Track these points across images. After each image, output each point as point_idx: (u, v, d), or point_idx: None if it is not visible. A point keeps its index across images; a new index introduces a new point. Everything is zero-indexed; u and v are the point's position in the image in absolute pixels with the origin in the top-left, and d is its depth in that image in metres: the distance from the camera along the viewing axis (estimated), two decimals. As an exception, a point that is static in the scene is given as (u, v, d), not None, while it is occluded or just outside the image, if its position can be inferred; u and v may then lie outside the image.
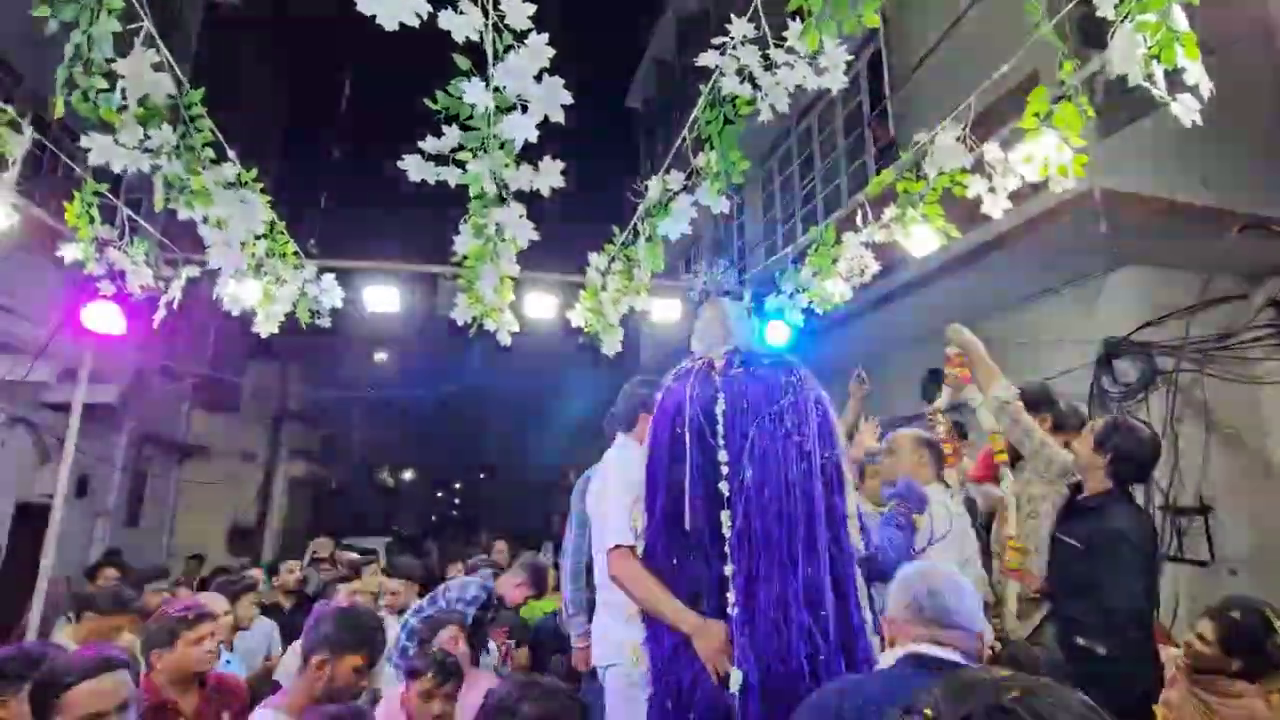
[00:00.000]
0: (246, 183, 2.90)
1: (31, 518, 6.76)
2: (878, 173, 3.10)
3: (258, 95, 11.94)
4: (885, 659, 1.26)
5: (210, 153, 2.52)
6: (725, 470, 1.86)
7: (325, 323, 4.21)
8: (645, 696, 1.94)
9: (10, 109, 2.50)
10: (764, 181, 7.64)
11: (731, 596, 1.79)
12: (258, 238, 3.39)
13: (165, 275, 3.95)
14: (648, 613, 1.92)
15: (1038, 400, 2.98)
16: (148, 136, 2.47)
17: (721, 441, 1.88)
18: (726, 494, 1.85)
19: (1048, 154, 2.31)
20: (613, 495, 2.16)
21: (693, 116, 2.58)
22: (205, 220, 2.84)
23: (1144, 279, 4.33)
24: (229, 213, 2.76)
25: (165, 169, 2.47)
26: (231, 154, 2.79)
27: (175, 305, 3.83)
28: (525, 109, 1.99)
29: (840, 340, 5.72)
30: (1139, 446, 2.55)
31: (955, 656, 1.17)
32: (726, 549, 1.82)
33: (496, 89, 1.96)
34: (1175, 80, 1.91)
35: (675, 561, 1.90)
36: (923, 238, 3.22)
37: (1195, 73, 1.87)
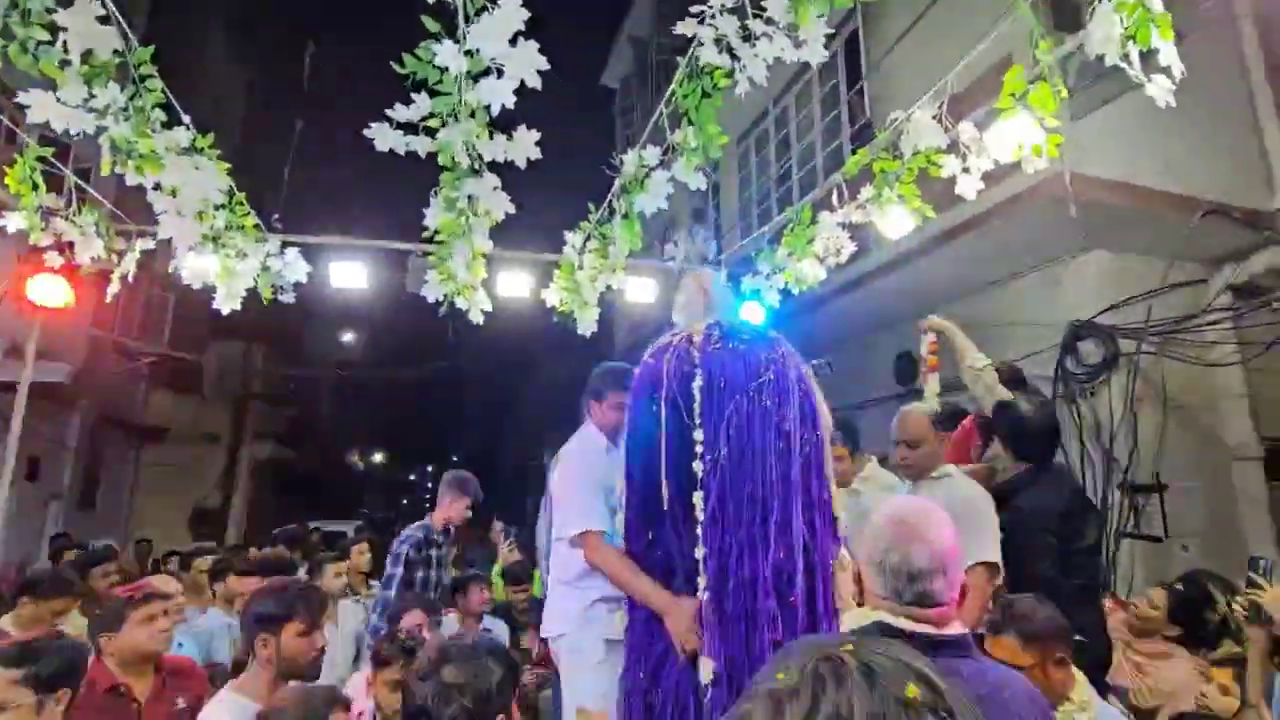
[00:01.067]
0: (202, 149, 2.77)
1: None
2: (853, 153, 3.09)
3: (218, 63, 11.48)
4: (852, 619, 1.18)
5: (160, 114, 2.39)
6: (700, 449, 1.83)
7: (289, 299, 4.06)
8: (594, 663, 2.08)
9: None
10: (740, 162, 7.60)
11: (702, 580, 1.78)
12: (216, 208, 3.26)
13: (118, 248, 3.77)
14: (624, 591, 2.00)
15: (1011, 379, 3.02)
16: (93, 95, 2.34)
17: (698, 420, 1.85)
18: (700, 474, 1.81)
19: (1022, 134, 2.32)
20: (574, 480, 2.27)
21: (670, 90, 2.53)
22: (157, 188, 2.70)
23: (1109, 263, 4.42)
24: (182, 180, 2.63)
25: (112, 130, 2.33)
26: (186, 119, 2.66)
27: (129, 279, 3.66)
28: (500, 74, 1.91)
29: (814, 323, 5.75)
30: (1022, 420, 2.65)
31: (926, 630, 1.11)
32: (699, 530, 1.80)
33: (469, 52, 1.89)
34: (1148, 64, 1.93)
35: (651, 538, 1.90)
36: (897, 219, 3.23)
37: (1169, 54, 1.89)
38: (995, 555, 2.16)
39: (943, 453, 2.41)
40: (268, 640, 1.71)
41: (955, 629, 1.14)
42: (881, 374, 5.83)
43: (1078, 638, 1.75)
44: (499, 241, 5.30)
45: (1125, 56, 1.91)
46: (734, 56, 2.13)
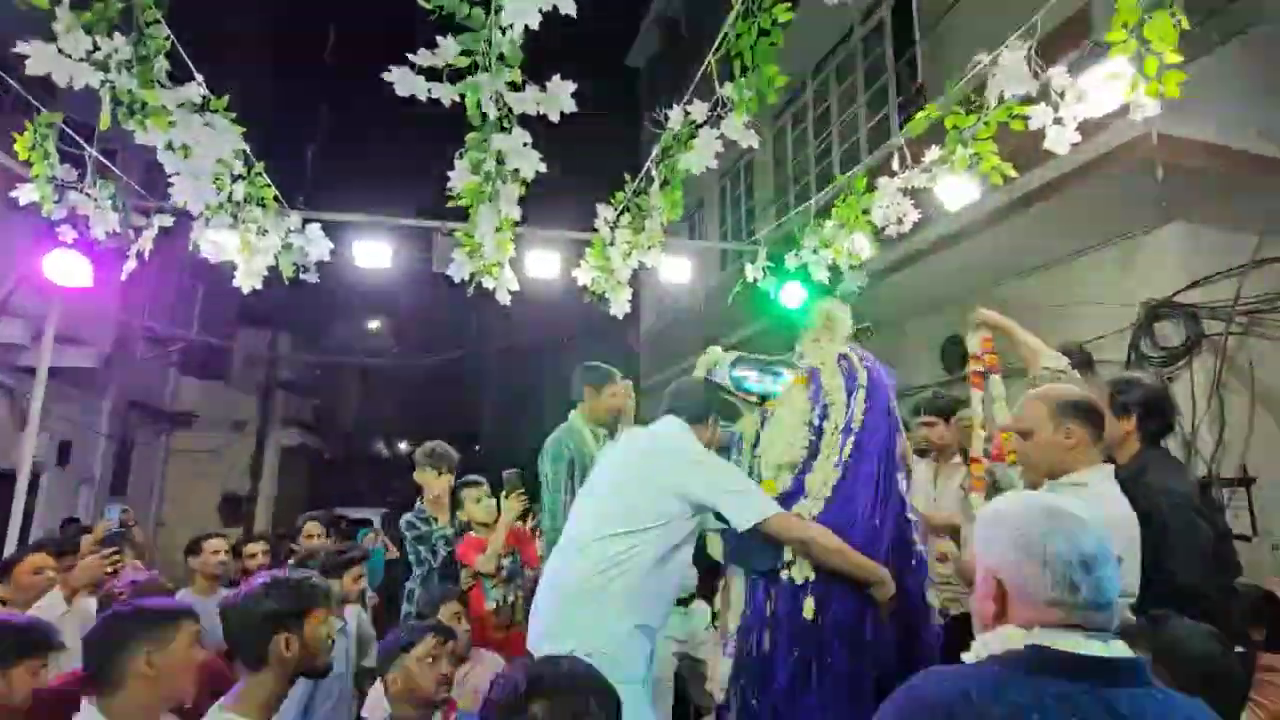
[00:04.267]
0: (217, 110, 2.58)
1: (10, 485, 6.50)
2: (907, 122, 2.76)
3: (241, 39, 11.41)
4: (997, 641, 0.92)
5: (166, 64, 2.19)
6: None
7: (312, 278, 3.88)
8: (640, 694, 1.91)
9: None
10: (775, 139, 7.28)
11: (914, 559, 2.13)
12: (234, 178, 3.08)
13: (137, 224, 3.61)
14: (835, 568, 1.99)
15: (1081, 365, 2.67)
16: (96, 47, 2.15)
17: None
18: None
19: (1133, 73, 2.01)
20: (732, 475, 2.13)
21: (721, 34, 2.27)
22: (169, 148, 2.51)
23: (1189, 237, 4.05)
24: (193, 138, 2.43)
25: (116, 82, 2.14)
26: (199, 77, 2.47)
27: (146, 256, 3.50)
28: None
29: (852, 306, 5.44)
30: (1158, 396, 2.13)
31: (1100, 652, 0.86)
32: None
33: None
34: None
35: (878, 523, 2.09)
36: (957, 188, 2.93)
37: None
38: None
39: (1083, 451, 1.80)
40: (290, 639, 1.49)
41: (1126, 650, 0.89)
42: (926, 359, 5.51)
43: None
44: (527, 222, 5.08)
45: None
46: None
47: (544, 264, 4.37)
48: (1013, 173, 2.63)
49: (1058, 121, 2.29)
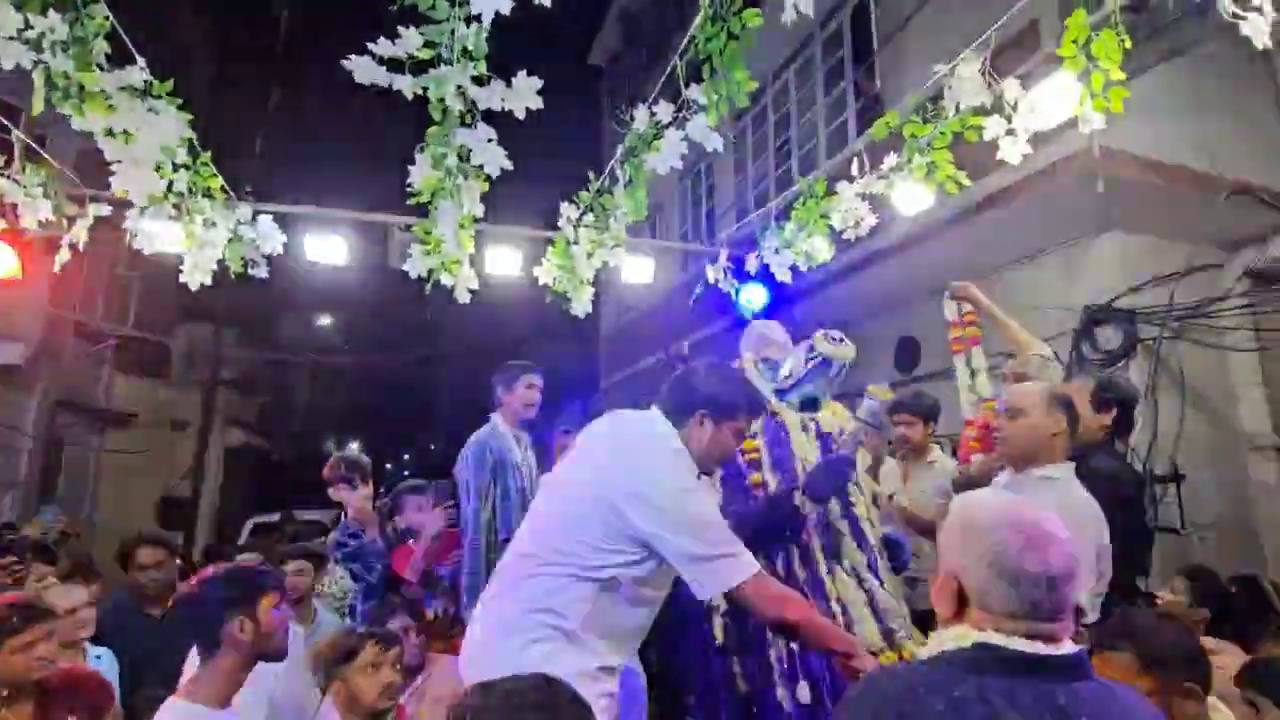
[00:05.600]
0: (161, 95, 2.46)
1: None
2: (864, 128, 2.84)
3: (188, 26, 10.92)
4: (950, 638, 0.95)
5: (104, 46, 2.07)
6: None
7: (262, 273, 3.73)
8: None
9: None
10: (736, 142, 7.36)
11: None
12: (178, 167, 2.93)
13: (70, 213, 3.41)
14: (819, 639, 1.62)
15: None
16: (28, 25, 2.02)
17: None
18: None
19: (1070, 92, 2.11)
20: (704, 512, 1.60)
21: (687, 36, 2.27)
22: (109, 134, 2.38)
23: (1129, 245, 4.26)
24: (134, 124, 2.31)
25: (50, 64, 2.02)
26: (141, 60, 2.35)
27: (79, 248, 3.31)
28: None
29: (811, 308, 5.54)
30: (1133, 400, 2.44)
31: (1043, 650, 0.89)
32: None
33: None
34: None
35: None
36: (913, 195, 3.01)
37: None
38: (1085, 602, 1.71)
39: (1061, 442, 1.86)
40: (244, 622, 1.52)
41: (1070, 646, 0.93)
42: (881, 360, 5.65)
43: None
44: (486, 219, 4.99)
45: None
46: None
47: (505, 262, 4.30)
48: (967, 181, 2.71)
49: (1010, 133, 2.37)
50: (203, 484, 11.20)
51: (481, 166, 2.48)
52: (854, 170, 3.13)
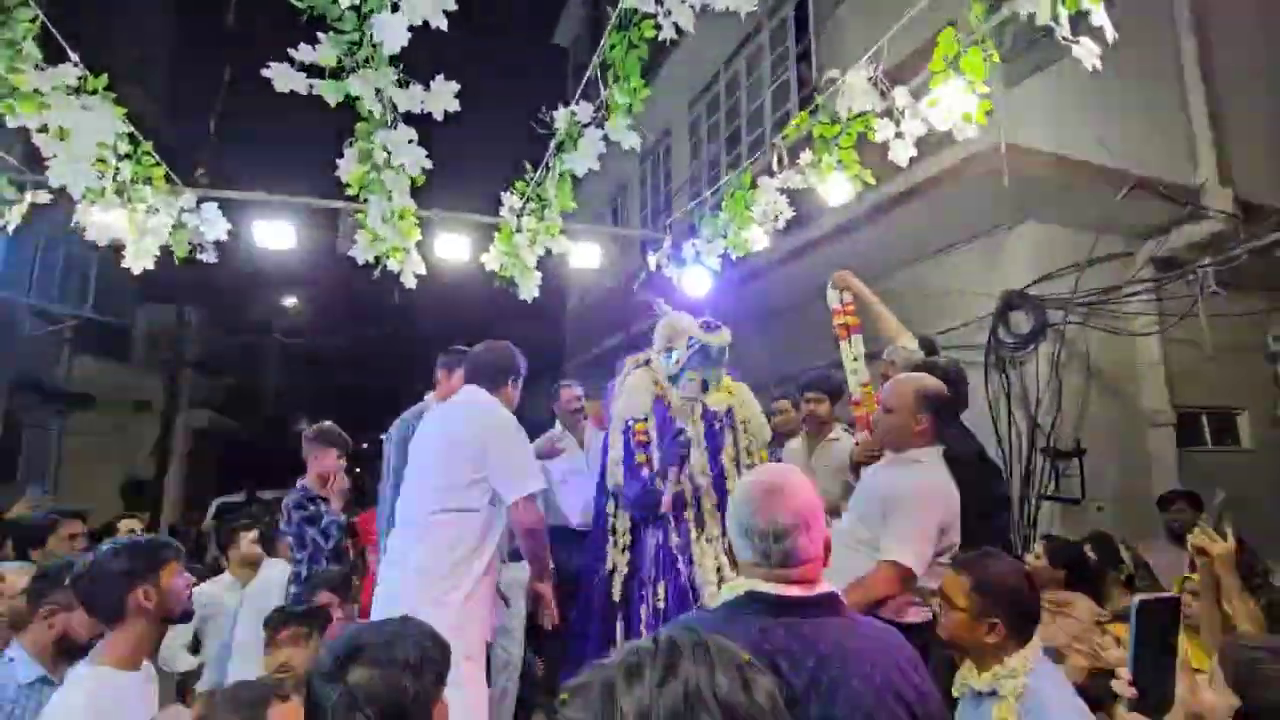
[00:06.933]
0: (95, 90, 2.53)
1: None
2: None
3: (138, 10, 10.64)
4: (728, 590, 1.18)
5: (35, 48, 2.15)
6: None
7: (209, 258, 3.80)
8: None
9: None
10: (692, 126, 7.48)
11: None
12: (120, 158, 3.00)
13: (9, 199, 3.45)
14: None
15: (928, 350, 3.04)
16: (-49, 26, 2.09)
17: None
18: None
19: (957, 101, 2.29)
20: (519, 446, 2.32)
21: (601, 43, 2.42)
22: (44, 130, 2.45)
23: (1041, 235, 4.51)
24: (70, 121, 2.39)
25: (-22, 65, 2.10)
26: (74, 56, 2.42)
27: (10, 230, 3.35)
28: (396, 8, 1.77)
29: (759, 292, 5.75)
30: (954, 375, 2.56)
31: (794, 592, 1.11)
32: None
33: (365, -14, 1.74)
34: (1079, 28, 1.92)
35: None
36: (838, 186, 3.19)
37: (1099, 17, 1.88)
38: (910, 559, 1.93)
39: (926, 436, 2.16)
40: (150, 591, 1.62)
41: (823, 587, 1.14)
42: (822, 342, 5.88)
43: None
44: (440, 202, 5.05)
45: (1055, 18, 1.88)
46: (659, 1, 2.01)
47: (454, 247, 4.39)
48: (871, 180, 2.90)
49: (899, 136, 2.56)
50: (168, 465, 11.17)
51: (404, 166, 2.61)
52: (774, 165, 3.30)
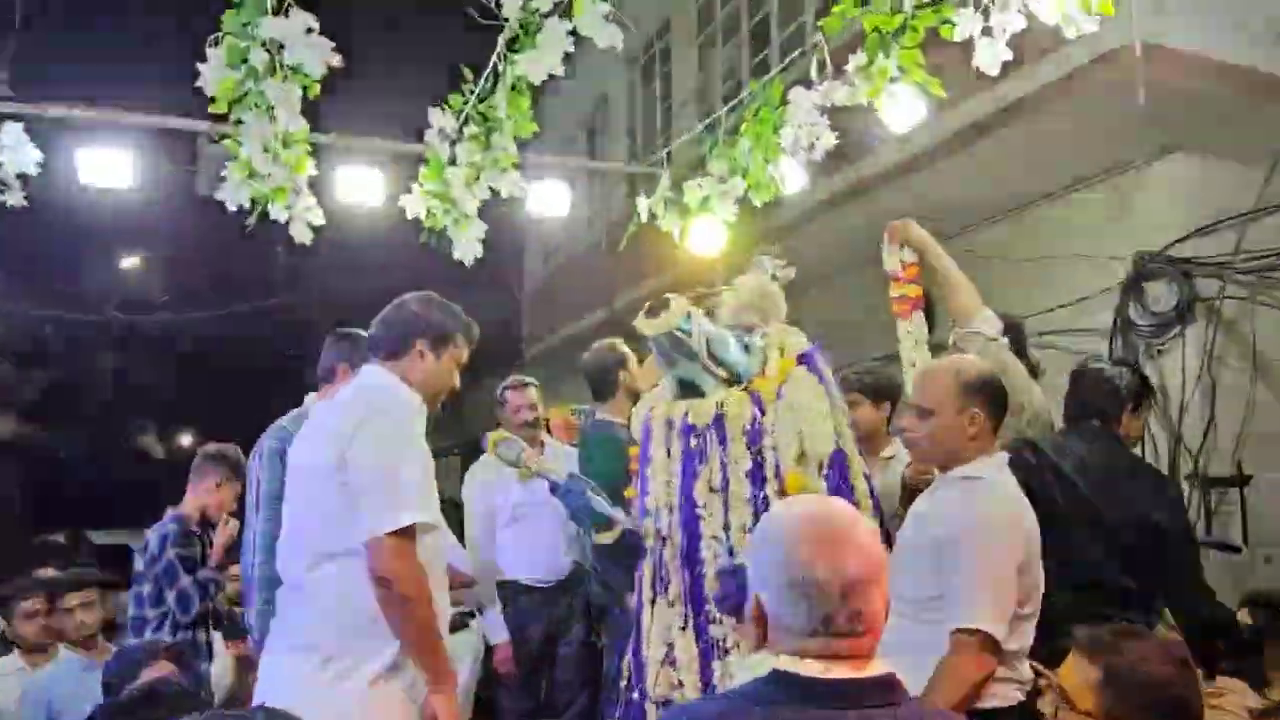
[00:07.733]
0: None
1: None
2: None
3: None
4: (751, 668, 1.20)
5: None
6: None
7: (14, 199, 3.81)
8: None
9: None
10: (699, 19, 7.48)
11: None
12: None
13: None
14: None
15: (1013, 339, 3.01)
16: None
17: None
18: None
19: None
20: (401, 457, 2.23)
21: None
22: None
23: (1193, 174, 4.53)
24: None
25: None
26: None
27: None
28: None
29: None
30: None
31: (842, 675, 1.12)
32: None
33: None
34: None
35: None
36: (899, 104, 3.21)
37: None
38: (987, 621, 1.92)
39: (983, 440, 2.14)
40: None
41: (878, 667, 1.17)
42: (870, 323, 5.90)
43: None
44: (345, 123, 5.06)
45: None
46: None
47: (361, 186, 4.41)
48: (940, 91, 2.92)
49: (987, 32, 2.58)
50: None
51: (299, 67, 2.62)
52: (813, 73, 3.31)
